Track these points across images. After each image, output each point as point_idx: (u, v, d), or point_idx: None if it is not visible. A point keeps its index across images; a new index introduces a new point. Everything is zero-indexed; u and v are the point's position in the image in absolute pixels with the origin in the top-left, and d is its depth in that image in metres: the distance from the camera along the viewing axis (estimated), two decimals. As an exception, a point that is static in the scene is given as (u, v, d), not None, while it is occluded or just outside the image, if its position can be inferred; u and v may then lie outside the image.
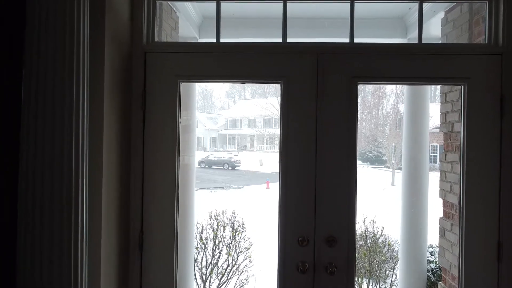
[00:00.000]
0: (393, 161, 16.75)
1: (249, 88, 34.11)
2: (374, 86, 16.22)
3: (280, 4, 2.25)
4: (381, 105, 18.67)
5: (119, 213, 2.08)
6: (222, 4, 2.27)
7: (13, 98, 1.70)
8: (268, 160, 22.89)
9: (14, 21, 1.67)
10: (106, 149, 1.92)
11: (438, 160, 16.38)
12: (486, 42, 2.17)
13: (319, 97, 2.15)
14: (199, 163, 20.91)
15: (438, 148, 16.72)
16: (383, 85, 15.37)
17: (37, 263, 1.48)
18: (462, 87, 2.14)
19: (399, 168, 15.82)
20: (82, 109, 1.55)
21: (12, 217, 1.62)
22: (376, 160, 20.75)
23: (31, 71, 1.48)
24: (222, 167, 21.13)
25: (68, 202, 1.49)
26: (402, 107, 16.88)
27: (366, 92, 17.25)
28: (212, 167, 21.00)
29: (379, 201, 11.05)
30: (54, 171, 1.47)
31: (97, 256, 1.86)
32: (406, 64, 2.15)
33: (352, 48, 2.18)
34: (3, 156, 1.68)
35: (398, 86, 16.41)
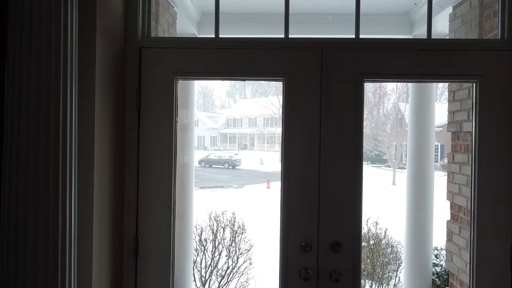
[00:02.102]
0: (394, 160, 16.70)
1: (249, 87, 34.05)
2: (374, 84, 16.15)
3: (282, -1, 2.14)
4: (381, 104, 18.62)
5: (112, 217, 1.98)
6: (221, -3, 2.16)
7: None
8: (268, 159, 22.86)
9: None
10: (98, 149, 1.81)
11: (439, 159, 16.35)
12: (499, 37, 2.07)
13: (323, 95, 2.04)
14: (200, 162, 20.87)
15: (439, 147, 16.65)
16: (385, 84, 15.29)
17: (20, 265, 1.37)
18: (474, 84, 2.04)
19: (400, 168, 15.83)
20: (70, 109, 1.45)
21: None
22: (377, 159, 20.70)
23: (13, 68, 1.38)
24: (223, 166, 21.09)
25: (55, 204, 1.39)
26: (403, 106, 16.83)
27: (366, 91, 17.16)
28: (213, 166, 20.97)
29: (380, 201, 10.98)
30: (39, 172, 1.37)
31: (89, 262, 1.76)
32: (415, 60, 2.04)
33: (357, 44, 2.08)
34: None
35: (399, 84, 16.36)
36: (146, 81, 2.07)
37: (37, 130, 1.36)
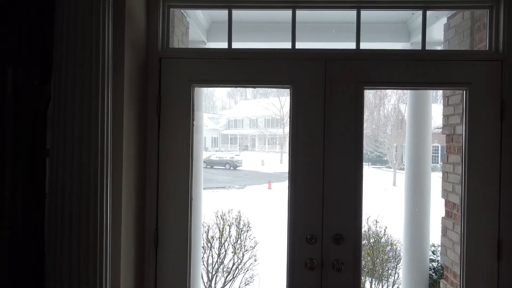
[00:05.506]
0: (394, 162, 16.82)
1: (251, 88, 34.15)
2: (375, 86, 16.25)
3: (288, 11, 2.34)
4: (382, 106, 18.76)
5: (136, 212, 2.18)
6: (233, 10, 2.36)
7: (39, 101, 1.81)
8: (269, 160, 22.98)
9: (43, 32, 1.78)
10: (125, 152, 2.02)
11: (439, 161, 16.47)
12: (487, 48, 2.26)
13: (327, 101, 2.24)
14: (201, 163, 20.88)
15: (439, 148, 16.79)
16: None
17: (66, 256, 1.57)
18: (464, 91, 2.23)
19: (401, 169, 15.93)
20: (107, 114, 1.65)
21: (40, 214, 1.72)
22: (378, 161, 20.83)
23: (60, 76, 1.58)
24: (224, 167, 21.19)
25: (95, 199, 1.59)
26: (403, 107, 16.95)
27: (367, 93, 17.31)
28: (214, 167, 21.06)
29: (381, 201, 11.13)
30: (82, 173, 1.57)
31: (117, 252, 1.96)
32: (410, 69, 2.23)
33: (358, 54, 2.28)
34: (29, 159, 1.78)
35: (399, 86, 16.47)
36: (166, 88, 2.28)
37: (79, 134, 1.56)
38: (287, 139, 2.30)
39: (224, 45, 2.37)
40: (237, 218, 5.90)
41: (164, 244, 2.28)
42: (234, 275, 5.46)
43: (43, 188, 1.81)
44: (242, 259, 5.57)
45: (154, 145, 2.27)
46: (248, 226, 5.90)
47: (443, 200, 3.19)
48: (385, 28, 3.85)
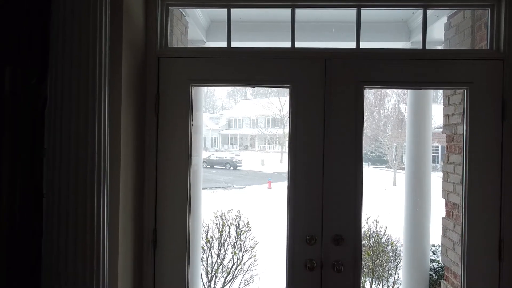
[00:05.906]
0: (394, 161, 16.81)
1: (250, 88, 34.14)
2: (376, 86, 16.23)
3: (288, 10, 2.32)
4: (382, 105, 18.75)
5: (134, 212, 2.16)
6: (232, 9, 2.35)
7: (37, 101, 1.79)
8: (269, 160, 22.99)
9: (42, 32, 1.76)
10: (123, 151, 2.00)
11: (439, 160, 16.46)
12: (488, 47, 2.25)
13: (327, 101, 2.23)
14: (201, 162, 20.88)
15: (440, 148, 16.78)
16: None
17: (62, 255, 1.56)
18: (465, 91, 2.22)
19: (401, 168, 15.92)
20: (104, 114, 1.63)
21: (39, 214, 1.70)
22: (378, 160, 20.83)
23: (56, 77, 1.57)
24: (224, 167, 21.19)
25: (91, 200, 1.57)
26: (403, 107, 16.94)
27: (367, 93, 17.31)
28: (214, 167, 21.06)
29: (381, 201, 11.12)
30: (79, 172, 1.56)
31: (115, 252, 1.94)
32: (411, 69, 2.22)
33: (358, 54, 2.26)
34: (27, 159, 1.77)
35: (400, 86, 16.46)
36: (164, 88, 2.26)
37: (76, 131, 1.55)
38: (287, 139, 2.29)
39: (223, 44, 2.36)
40: (236, 218, 5.89)
41: (163, 244, 2.26)
42: (234, 276, 5.45)
43: (41, 187, 1.79)
44: (242, 259, 5.56)
45: (153, 145, 2.26)
46: (247, 226, 5.88)
47: (443, 200, 3.17)
48: (385, 27, 3.83)
